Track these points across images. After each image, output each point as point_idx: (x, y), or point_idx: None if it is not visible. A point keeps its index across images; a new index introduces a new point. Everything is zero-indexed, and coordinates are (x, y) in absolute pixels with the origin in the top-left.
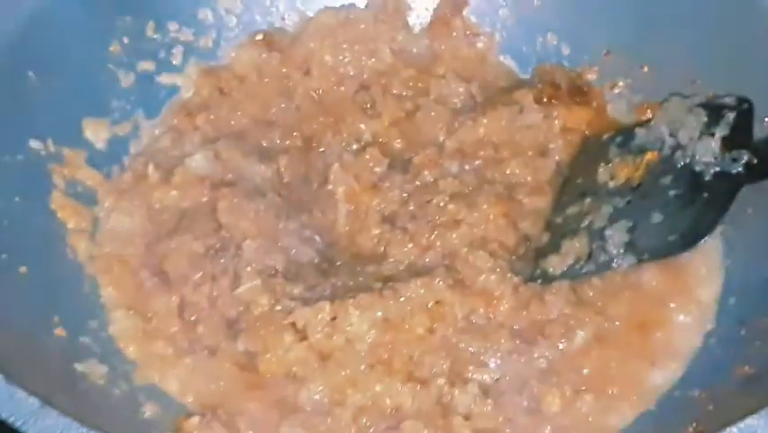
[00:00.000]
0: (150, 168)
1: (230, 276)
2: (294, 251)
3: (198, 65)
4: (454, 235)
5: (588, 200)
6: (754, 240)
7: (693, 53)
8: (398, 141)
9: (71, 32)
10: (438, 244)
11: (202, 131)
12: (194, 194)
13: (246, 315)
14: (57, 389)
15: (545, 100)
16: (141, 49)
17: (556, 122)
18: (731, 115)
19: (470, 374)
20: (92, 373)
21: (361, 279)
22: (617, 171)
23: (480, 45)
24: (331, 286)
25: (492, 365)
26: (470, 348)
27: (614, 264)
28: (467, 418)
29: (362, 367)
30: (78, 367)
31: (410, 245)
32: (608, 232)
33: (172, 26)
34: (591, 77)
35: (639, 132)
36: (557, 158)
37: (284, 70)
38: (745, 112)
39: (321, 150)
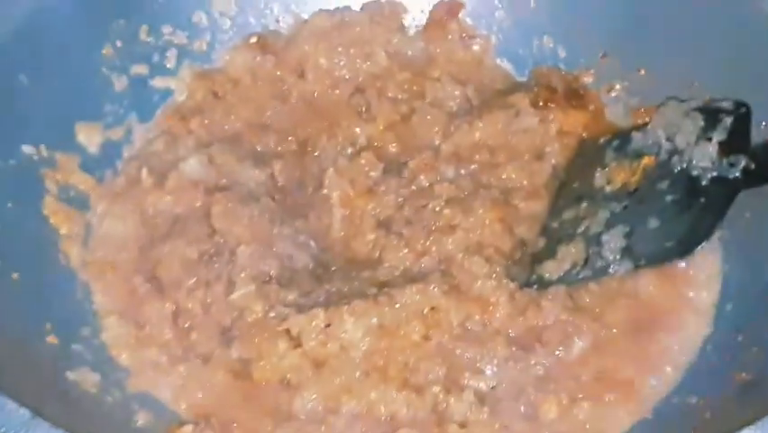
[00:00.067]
0: (144, 172)
1: (224, 282)
2: (288, 256)
3: (192, 68)
4: (450, 241)
5: (584, 205)
6: (751, 245)
7: (690, 56)
8: (394, 145)
9: (64, 36)
10: (434, 249)
11: (196, 135)
12: (187, 199)
13: (240, 321)
14: (48, 397)
15: (542, 104)
16: (134, 52)
17: (552, 125)
18: (728, 120)
19: (466, 381)
20: (84, 381)
21: (356, 284)
22: (613, 176)
23: (475, 48)
24: (325, 292)
25: (488, 372)
26: (465, 355)
27: (610, 270)
28: (463, 425)
29: (357, 374)
30: (71, 375)
31: (405, 251)
32: (604, 237)
33: (166, 29)
34: (588, 80)
35: (636, 136)
36: (553, 162)
37: (278, 73)
38: (743, 116)
39: (316, 154)
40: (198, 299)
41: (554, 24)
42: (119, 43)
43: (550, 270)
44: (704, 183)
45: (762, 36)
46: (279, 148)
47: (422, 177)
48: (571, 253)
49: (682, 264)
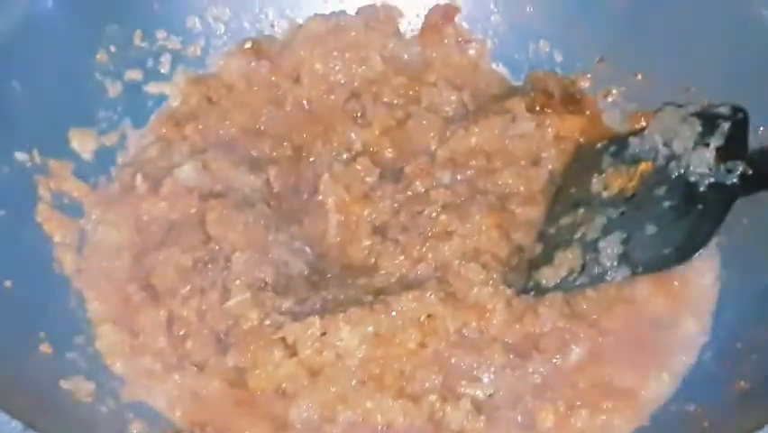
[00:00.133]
0: (138, 179)
1: (219, 289)
2: (284, 263)
3: (186, 73)
4: (446, 247)
5: (581, 211)
6: (749, 251)
7: (687, 61)
8: (389, 150)
9: (57, 42)
10: (430, 255)
11: (190, 141)
12: (182, 205)
13: (235, 329)
14: (42, 408)
15: (538, 108)
16: (128, 57)
17: (549, 130)
18: (726, 125)
19: (462, 389)
20: (78, 391)
21: (351, 291)
22: (610, 181)
23: (471, 52)
24: (321, 299)
25: (485, 380)
26: (462, 363)
27: (608, 277)
28: None
29: (353, 383)
30: (64, 384)
31: (401, 257)
32: (601, 244)
33: (160, 34)
34: (584, 84)
35: (633, 141)
36: (550, 167)
37: (273, 79)
38: (740, 122)
39: (311, 159)
40: (193, 306)
41: (551, 29)
42: (113, 49)
43: (547, 276)
44: (701, 189)
45: (759, 41)
46: (275, 153)
47: (418, 182)
48: (568, 260)
49: (680, 270)
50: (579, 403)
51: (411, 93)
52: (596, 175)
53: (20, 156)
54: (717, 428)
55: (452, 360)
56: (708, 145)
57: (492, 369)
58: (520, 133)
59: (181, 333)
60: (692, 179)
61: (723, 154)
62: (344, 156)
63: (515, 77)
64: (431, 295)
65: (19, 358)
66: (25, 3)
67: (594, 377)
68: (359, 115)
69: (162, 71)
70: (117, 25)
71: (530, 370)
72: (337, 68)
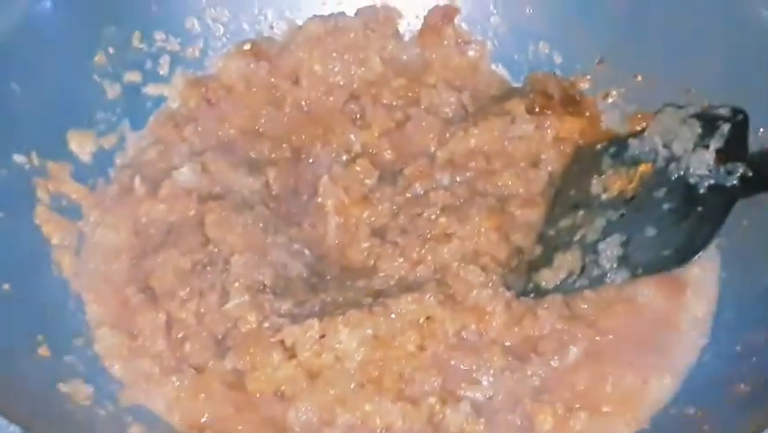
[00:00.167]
0: (137, 181)
1: (217, 292)
2: (283, 265)
3: (185, 75)
4: (445, 249)
5: (581, 213)
6: (749, 253)
7: (687, 62)
8: (389, 151)
9: (55, 43)
10: (429, 258)
11: (189, 142)
12: (181, 207)
13: (234, 332)
14: (40, 411)
15: (537, 110)
16: (127, 59)
17: (548, 132)
18: (726, 127)
19: (462, 392)
20: (77, 394)
21: (350, 293)
22: (610, 183)
23: (471, 53)
24: (320, 301)
25: (485, 383)
26: (461, 365)
27: (607, 279)
28: None
29: (352, 386)
30: (63, 387)
31: (401, 260)
32: (600, 246)
33: (159, 36)
34: (584, 86)
35: (633, 142)
36: (549, 169)
37: (272, 80)
38: (740, 123)
39: (310, 161)
40: (192, 309)
41: (550, 30)
42: (111, 50)
43: (546, 278)
44: (701, 191)
45: (759, 42)
46: (273, 155)
47: (417, 184)
48: (567, 262)
49: (680, 272)
50: (578, 406)
51: (410, 94)
52: (595, 177)
53: (18, 158)
54: (717, 431)
55: (452, 362)
56: (708, 147)
57: (491, 371)
58: (520, 135)
59: (180, 335)
60: (692, 180)
61: (723, 156)
62: (344, 158)
63: (514, 78)
64: (430, 297)
65: (17, 361)
66: (24, 4)
67: (593, 379)
68: (358, 116)
69: (161, 73)
70: (116, 27)
71: (529, 372)
72: (336, 69)
